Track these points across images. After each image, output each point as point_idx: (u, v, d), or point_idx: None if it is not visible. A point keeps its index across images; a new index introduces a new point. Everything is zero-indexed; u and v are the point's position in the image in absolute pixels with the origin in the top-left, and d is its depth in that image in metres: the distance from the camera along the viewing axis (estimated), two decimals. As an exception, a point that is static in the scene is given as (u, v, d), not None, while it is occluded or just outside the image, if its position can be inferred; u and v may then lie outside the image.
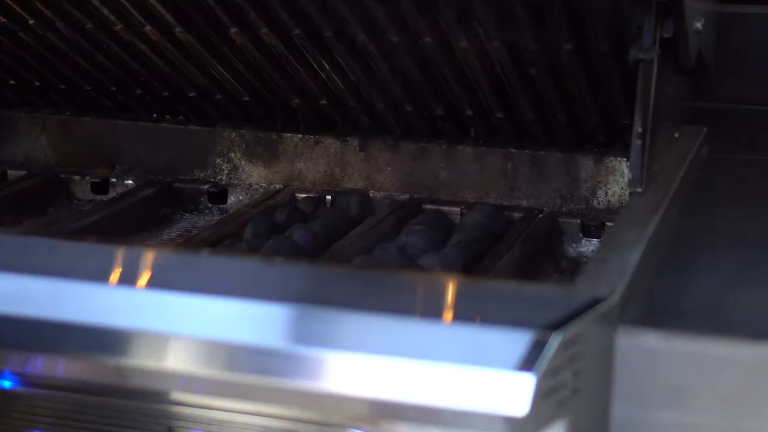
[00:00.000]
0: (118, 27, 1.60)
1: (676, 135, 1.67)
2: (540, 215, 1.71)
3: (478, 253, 1.56)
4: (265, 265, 1.16)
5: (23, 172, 1.91)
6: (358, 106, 1.72)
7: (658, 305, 1.15)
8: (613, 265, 1.17)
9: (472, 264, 1.52)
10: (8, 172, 1.92)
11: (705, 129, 1.75)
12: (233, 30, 1.55)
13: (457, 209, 1.74)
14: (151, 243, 1.59)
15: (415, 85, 1.62)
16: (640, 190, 1.42)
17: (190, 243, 1.55)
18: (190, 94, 1.78)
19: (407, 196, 1.78)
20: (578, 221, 1.69)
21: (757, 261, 1.28)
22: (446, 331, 1.03)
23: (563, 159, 1.71)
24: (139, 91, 1.81)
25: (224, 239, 1.54)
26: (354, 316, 1.05)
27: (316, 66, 1.62)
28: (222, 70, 1.69)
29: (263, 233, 1.60)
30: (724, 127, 1.86)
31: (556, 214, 1.71)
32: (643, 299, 1.15)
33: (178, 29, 1.58)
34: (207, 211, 1.84)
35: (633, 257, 1.19)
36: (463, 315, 1.05)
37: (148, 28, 1.59)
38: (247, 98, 1.76)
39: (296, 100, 1.74)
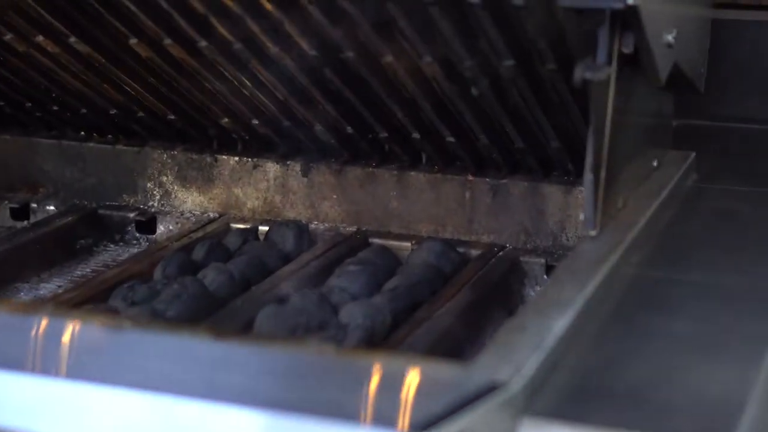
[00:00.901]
0: (9, 37, 1.41)
1: (655, 163, 1.45)
2: (500, 253, 1.49)
3: (416, 300, 1.34)
4: (109, 332, 0.96)
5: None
6: (293, 126, 1.52)
7: (584, 387, 0.94)
8: (529, 335, 0.96)
9: (405, 314, 1.31)
10: None
11: (693, 155, 1.52)
12: (133, 41, 1.36)
13: (407, 244, 1.53)
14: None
15: (348, 104, 1.41)
16: (593, 233, 1.20)
17: (50, 301, 1.35)
18: (111, 112, 1.59)
19: (354, 228, 1.57)
20: (542, 260, 1.47)
21: (720, 324, 1.06)
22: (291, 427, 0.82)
23: (527, 189, 1.50)
24: (55, 108, 1.62)
25: (101, 295, 1.33)
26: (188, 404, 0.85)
27: (235, 82, 1.42)
28: (136, 86, 1.50)
29: (174, 273, 1.40)
30: (719, 150, 1.64)
31: (518, 251, 1.49)
32: (564, 378, 0.94)
33: (72, 39, 1.38)
34: (134, 241, 1.65)
35: (558, 325, 0.98)
36: (319, 406, 0.84)
37: (40, 38, 1.39)
38: (172, 116, 1.56)
39: (225, 119, 1.55)
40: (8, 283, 1.47)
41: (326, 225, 1.59)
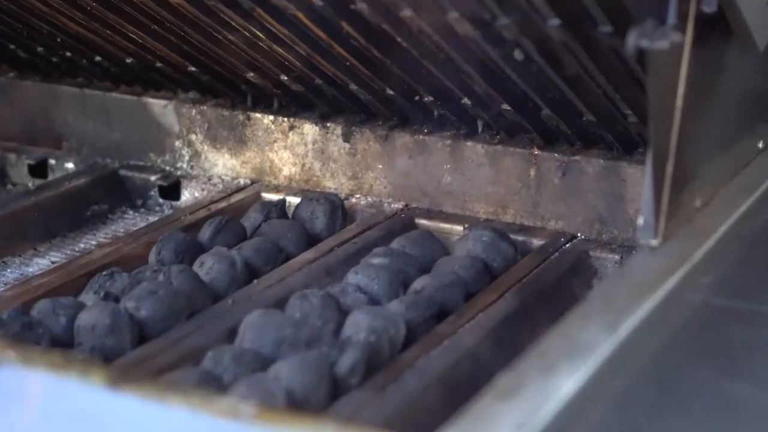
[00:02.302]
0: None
1: (761, 144, 1.17)
2: (567, 244, 1.24)
3: (445, 307, 1.10)
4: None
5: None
6: (327, 84, 1.28)
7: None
8: (523, 401, 0.71)
9: (427, 324, 1.07)
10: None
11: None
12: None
13: (459, 228, 1.29)
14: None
15: (378, 63, 1.17)
16: (653, 243, 0.94)
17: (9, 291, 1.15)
18: (128, 60, 1.38)
19: (400, 204, 1.34)
20: (617, 257, 1.21)
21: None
22: None
23: (604, 168, 1.23)
24: (69, 54, 1.41)
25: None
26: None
27: (246, 33, 1.20)
28: (141, 34, 1.28)
29: (171, 258, 1.19)
30: None
31: (590, 244, 1.24)
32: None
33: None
34: (157, 208, 1.44)
35: (566, 386, 0.73)
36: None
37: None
38: (192, 68, 1.35)
39: (251, 74, 1.32)
40: (-6, 258, 1.29)
41: (369, 199, 1.35)
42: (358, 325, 1.04)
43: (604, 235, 1.24)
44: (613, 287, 0.88)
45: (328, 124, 1.36)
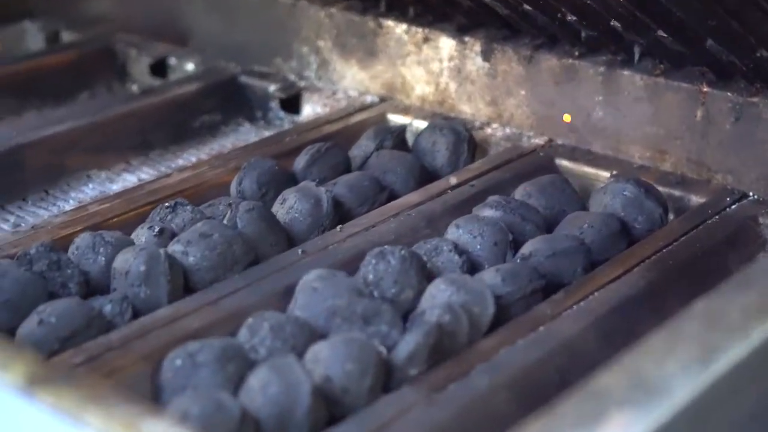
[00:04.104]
0: None
1: None
2: (734, 204, 1.01)
3: (557, 279, 0.90)
4: None
5: (79, 36, 1.43)
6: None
7: None
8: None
9: (526, 303, 0.87)
10: (62, 33, 1.44)
11: None
12: None
13: (606, 174, 1.07)
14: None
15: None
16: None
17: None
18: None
19: (542, 139, 1.13)
20: (794, 227, 0.98)
21: None
22: None
23: (787, 115, 0.99)
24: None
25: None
26: None
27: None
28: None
29: (253, 191, 1.02)
30: None
31: (762, 206, 1.00)
32: None
33: None
34: (278, 121, 1.28)
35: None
36: None
37: None
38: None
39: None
40: (79, 170, 1.15)
41: (508, 130, 1.15)
42: (436, 299, 0.85)
43: (781, 197, 1.01)
44: (728, 298, 0.66)
45: (466, 39, 1.16)
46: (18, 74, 1.31)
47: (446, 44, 1.17)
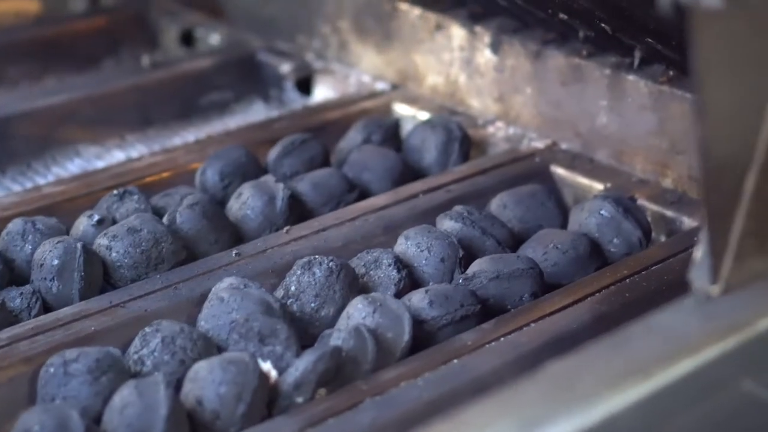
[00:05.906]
0: None
1: None
2: (731, 232, 0.91)
3: (497, 306, 0.83)
4: None
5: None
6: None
7: None
8: None
9: (459, 329, 0.80)
10: (104, -5, 1.42)
11: None
12: None
13: (600, 186, 0.98)
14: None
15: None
16: (713, 290, 0.63)
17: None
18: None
19: (545, 142, 1.05)
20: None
21: None
22: None
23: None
24: None
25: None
26: None
27: None
28: None
29: (215, 182, 0.97)
30: None
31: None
32: None
33: None
34: (292, 101, 1.22)
35: None
36: None
37: None
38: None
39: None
40: (69, 144, 1.12)
41: (511, 130, 1.07)
42: (351, 319, 0.79)
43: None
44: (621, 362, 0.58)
45: (477, 29, 1.08)
46: (44, 38, 1.29)
47: (457, 33, 1.10)
